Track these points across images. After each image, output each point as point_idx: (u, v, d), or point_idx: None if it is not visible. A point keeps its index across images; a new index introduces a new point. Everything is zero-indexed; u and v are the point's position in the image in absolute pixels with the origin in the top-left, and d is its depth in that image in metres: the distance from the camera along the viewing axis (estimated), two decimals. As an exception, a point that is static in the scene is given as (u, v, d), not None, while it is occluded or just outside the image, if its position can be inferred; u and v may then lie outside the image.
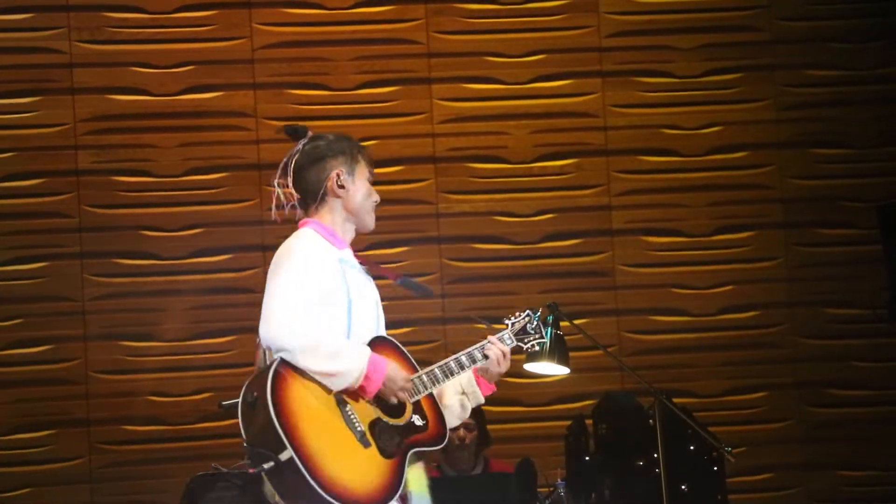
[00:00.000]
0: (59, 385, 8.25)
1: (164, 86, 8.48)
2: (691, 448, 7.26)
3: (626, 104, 8.74)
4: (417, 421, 4.49)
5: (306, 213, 4.68)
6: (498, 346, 4.72)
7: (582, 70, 8.75)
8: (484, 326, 4.96)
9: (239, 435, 8.10)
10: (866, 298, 8.55)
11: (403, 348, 4.63)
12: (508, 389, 8.33)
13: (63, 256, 8.34)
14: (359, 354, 4.38)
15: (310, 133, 4.72)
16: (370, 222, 4.71)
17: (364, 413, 4.38)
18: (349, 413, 4.35)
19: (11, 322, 8.27)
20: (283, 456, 4.20)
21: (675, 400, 7.14)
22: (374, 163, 4.80)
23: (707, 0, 8.83)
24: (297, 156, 4.66)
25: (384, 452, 4.37)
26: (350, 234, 4.71)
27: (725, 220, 8.71)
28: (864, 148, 8.79)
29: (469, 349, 4.70)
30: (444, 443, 4.57)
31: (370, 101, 8.60)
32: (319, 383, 4.34)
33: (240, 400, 4.38)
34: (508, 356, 4.74)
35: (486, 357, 4.70)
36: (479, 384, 4.76)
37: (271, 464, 4.21)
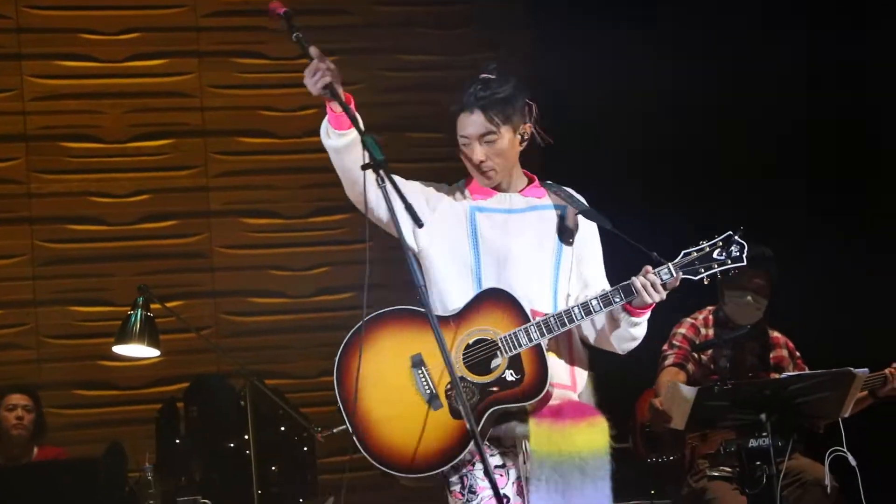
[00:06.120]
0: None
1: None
2: (282, 429, 7.33)
3: (222, 85, 8.72)
4: (509, 376, 4.18)
5: None
6: (644, 278, 4.22)
7: (178, 49, 8.68)
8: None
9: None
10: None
11: (518, 299, 4.21)
12: (101, 372, 8.24)
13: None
14: None
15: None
16: (481, 181, 4.40)
17: (445, 373, 4.16)
18: (421, 375, 4.19)
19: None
20: (345, 424, 4.23)
21: (270, 382, 7.19)
22: (467, 122, 4.34)
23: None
24: None
25: (455, 413, 4.15)
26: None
27: (320, 203, 8.77)
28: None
29: (603, 293, 4.24)
30: (537, 398, 4.17)
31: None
32: (394, 346, 4.24)
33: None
34: (658, 287, 4.22)
35: (628, 294, 4.21)
36: (626, 308, 4.28)
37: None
